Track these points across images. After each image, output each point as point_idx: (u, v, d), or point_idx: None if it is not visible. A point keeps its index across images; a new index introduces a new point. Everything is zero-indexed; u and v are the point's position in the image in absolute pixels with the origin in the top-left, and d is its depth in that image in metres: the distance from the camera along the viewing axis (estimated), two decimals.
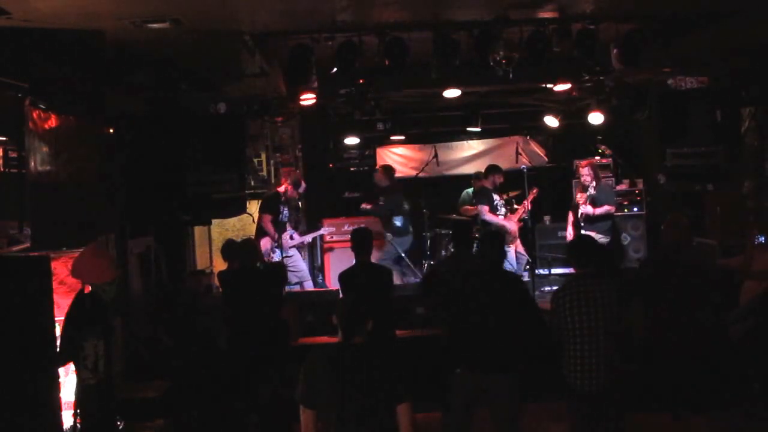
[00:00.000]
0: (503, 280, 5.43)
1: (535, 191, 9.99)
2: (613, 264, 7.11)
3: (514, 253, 9.81)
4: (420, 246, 10.99)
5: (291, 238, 9.46)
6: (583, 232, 8.96)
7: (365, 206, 10.48)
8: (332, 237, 10.07)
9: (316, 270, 10.72)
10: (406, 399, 3.58)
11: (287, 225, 9.49)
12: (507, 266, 9.57)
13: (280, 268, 8.00)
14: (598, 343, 4.84)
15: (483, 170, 10.40)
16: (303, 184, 9.70)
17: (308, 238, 10.03)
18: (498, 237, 5.69)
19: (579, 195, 9.43)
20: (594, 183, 9.21)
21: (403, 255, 10.12)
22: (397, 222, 10.08)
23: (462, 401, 5.17)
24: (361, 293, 5.31)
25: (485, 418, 5.34)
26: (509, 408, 5.15)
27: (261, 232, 9.38)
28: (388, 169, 10.54)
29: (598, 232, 8.86)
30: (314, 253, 10.89)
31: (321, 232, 10.07)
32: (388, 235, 10.03)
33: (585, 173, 9.26)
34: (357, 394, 3.53)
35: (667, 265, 6.03)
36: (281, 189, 9.51)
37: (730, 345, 6.33)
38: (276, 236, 9.13)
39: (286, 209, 9.45)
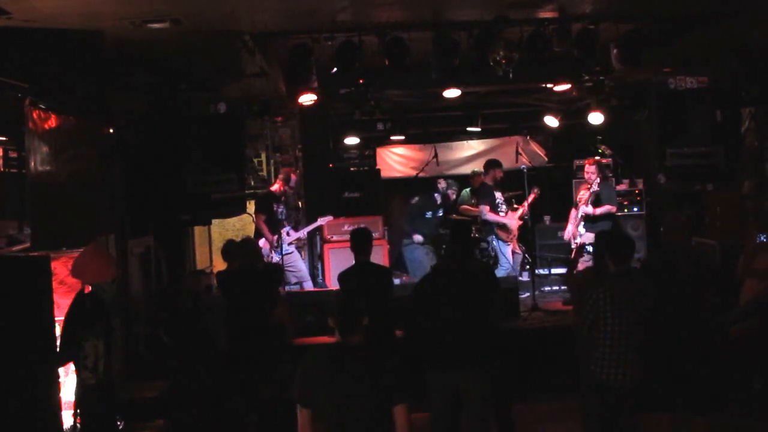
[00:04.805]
0: (468, 272, 5.35)
1: (535, 192, 9.94)
2: None
3: (511, 252, 9.79)
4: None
5: (288, 234, 9.43)
6: (582, 230, 8.96)
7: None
8: (332, 237, 10.05)
9: (316, 263, 10.69)
10: (402, 400, 3.55)
11: (284, 223, 9.46)
12: (504, 265, 9.59)
13: (277, 269, 7.99)
14: (633, 340, 4.87)
15: (481, 168, 10.38)
16: (293, 177, 9.70)
17: (307, 230, 9.99)
18: (462, 227, 5.66)
19: (581, 193, 9.39)
20: (599, 180, 9.17)
21: None
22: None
23: (441, 401, 5.13)
24: (356, 292, 5.29)
25: None
26: (480, 405, 5.08)
27: (259, 232, 9.37)
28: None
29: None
30: (314, 253, 10.88)
31: (319, 222, 10.03)
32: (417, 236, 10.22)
33: (591, 171, 9.23)
34: (354, 394, 3.52)
35: (669, 266, 6.03)
36: (274, 188, 9.47)
37: (730, 345, 6.32)
38: (270, 235, 9.08)
39: (282, 207, 9.42)
